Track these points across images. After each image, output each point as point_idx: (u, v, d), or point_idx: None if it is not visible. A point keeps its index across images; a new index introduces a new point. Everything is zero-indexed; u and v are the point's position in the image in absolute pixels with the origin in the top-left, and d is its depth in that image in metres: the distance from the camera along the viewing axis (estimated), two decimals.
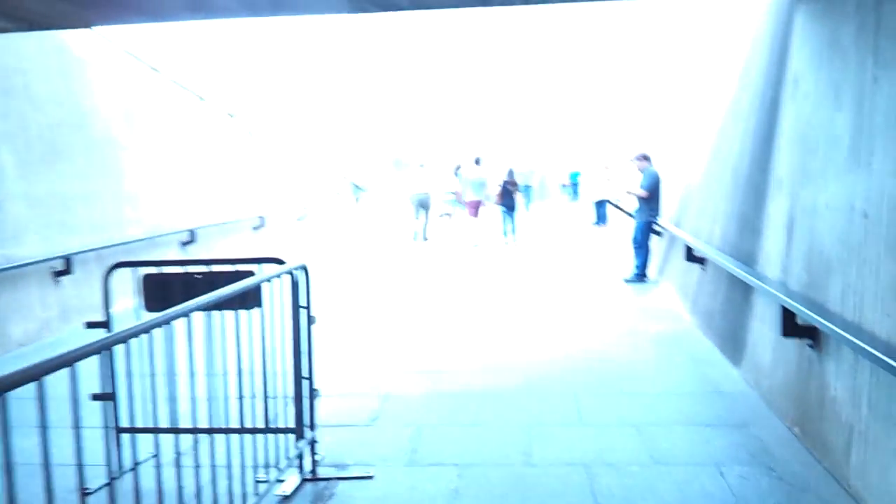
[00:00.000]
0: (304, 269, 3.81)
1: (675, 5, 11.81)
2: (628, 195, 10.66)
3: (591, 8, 24.07)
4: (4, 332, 7.13)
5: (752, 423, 4.49)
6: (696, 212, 8.42)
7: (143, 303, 4.05)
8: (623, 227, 14.85)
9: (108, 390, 3.91)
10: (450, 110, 31.31)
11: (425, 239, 16.27)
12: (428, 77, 31.05)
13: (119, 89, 11.13)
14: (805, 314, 4.03)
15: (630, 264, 10.18)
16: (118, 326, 4.21)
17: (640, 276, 9.70)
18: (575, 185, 27.52)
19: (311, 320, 3.91)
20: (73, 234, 8.59)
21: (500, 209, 15.64)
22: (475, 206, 15.38)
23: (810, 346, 4.22)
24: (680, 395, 5.05)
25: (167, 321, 2.91)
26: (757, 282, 4.91)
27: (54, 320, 7.89)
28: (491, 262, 12.29)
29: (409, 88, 31.34)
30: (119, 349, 2.95)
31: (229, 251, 12.45)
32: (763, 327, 5.14)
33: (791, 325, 4.31)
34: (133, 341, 2.78)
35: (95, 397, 3.93)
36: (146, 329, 2.82)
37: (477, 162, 15.85)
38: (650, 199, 9.71)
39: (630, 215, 11.28)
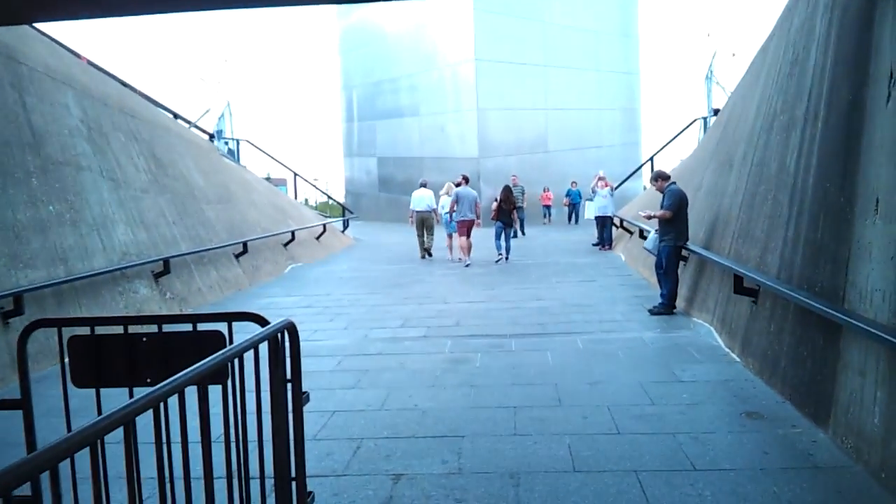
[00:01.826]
0: (291, 328, 2.76)
1: None
2: (648, 218, 9.63)
3: None
4: None
5: None
6: (736, 235, 7.44)
7: (70, 373, 3.00)
8: (632, 250, 13.89)
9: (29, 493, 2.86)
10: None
11: (430, 256, 16.45)
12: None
13: (82, 104, 10.08)
14: None
15: (651, 293, 9.22)
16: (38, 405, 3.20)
17: (668, 306, 8.67)
18: (575, 204, 26.38)
19: (300, 399, 2.85)
20: (25, 268, 7.49)
21: (495, 226, 15.43)
22: (465, 226, 14.91)
23: None
24: (766, 470, 4.00)
25: (93, 439, 1.85)
26: (867, 328, 3.88)
27: (2, 369, 6.74)
28: (488, 283, 11.25)
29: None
30: None
31: (206, 282, 11.34)
32: (864, 382, 4.12)
33: None
34: None
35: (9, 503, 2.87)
36: (71, 450, 1.78)
37: (466, 181, 15.57)
38: (676, 221, 8.71)
39: (643, 236, 10.30)
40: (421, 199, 16.32)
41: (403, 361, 6.81)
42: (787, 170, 6.20)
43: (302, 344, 3.13)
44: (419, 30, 30.95)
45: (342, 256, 18.04)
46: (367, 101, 35.36)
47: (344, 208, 26.15)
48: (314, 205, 45.06)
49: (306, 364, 6.93)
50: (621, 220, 16.22)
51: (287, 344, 2.79)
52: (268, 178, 38.38)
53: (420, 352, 7.23)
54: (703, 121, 19.94)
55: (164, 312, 9.72)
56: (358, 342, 7.83)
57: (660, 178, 9.31)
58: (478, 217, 15.01)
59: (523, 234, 21.63)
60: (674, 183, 9.04)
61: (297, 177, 24.10)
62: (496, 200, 15.80)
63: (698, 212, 9.83)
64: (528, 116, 29.94)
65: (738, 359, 6.37)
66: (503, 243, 15.21)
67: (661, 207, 8.88)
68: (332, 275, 14.15)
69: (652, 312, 8.73)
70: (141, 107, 13.37)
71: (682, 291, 9.04)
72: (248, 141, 21.29)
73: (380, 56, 33.95)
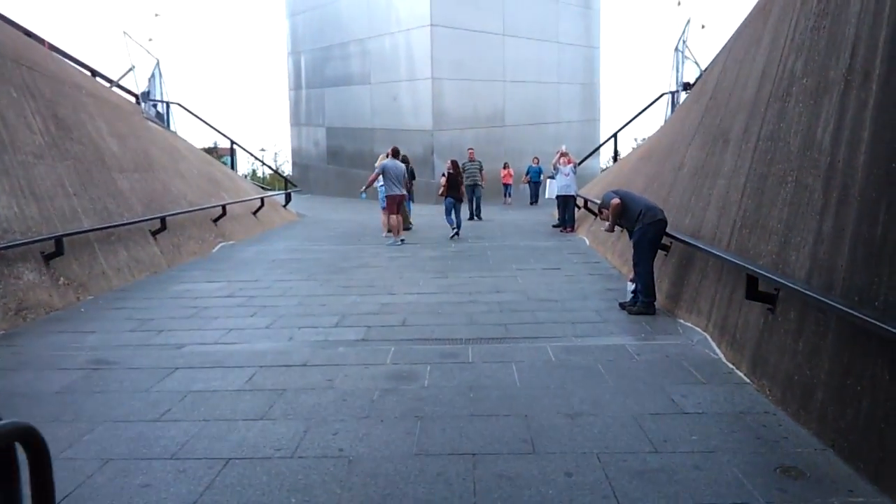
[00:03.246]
0: (32, 438, 1.35)
1: None
2: (612, 230, 8.34)
3: None
4: None
5: None
6: (739, 225, 6.20)
7: None
8: (597, 233, 12.68)
9: None
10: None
11: (408, 230, 15.84)
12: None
13: None
14: None
15: (625, 286, 7.99)
16: None
17: (648, 304, 7.43)
18: (537, 182, 25.10)
19: None
20: None
21: (445, 202, 15.29)
22: (395, 202, 14.13)
23: None
24: None
25: None
26: None
27: None
28: (440, 270, 9.90)
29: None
30: None
31: (113, 264, 9.73)
32: None
33: None
34: None
35: None
36: None
37: (395, 153, 14.57)
38: (629, 205, 7.71)
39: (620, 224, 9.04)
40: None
41: (333, 377, 5.40)
42: (817, 146, 4.95)
43: (211, 348, 2.24)
44: None
45: (281, 234, 16.48)
46: (316, 67, 33.43)
47: (286, 181, 24.45)
48: (262, 177, 42.92)
49: (210, 378, 5.51)
50: (585, 200, 15.00)
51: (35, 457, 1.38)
52: (213, 149, 36.20)
53: (355, 362, 5.83)
54: (670, 95, 18.81)
55: (56, 300, 8.14)
56: (280, 348, 6.40)
57: (604, 208, 8.17)
58: (408, 191, 14.56)
59: (479, 217, 19.34)
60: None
61: (236, 146, 22.31)
62: (443, 175, 15.54)
63: (681, 195, 8.62)
64: (485, 88, 28.48)
65: (747, 379, 5.14)
66: (454, 219, 15.00)
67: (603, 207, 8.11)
68: (266, 256, 12.61)
69: (630, 312, 7.50)
70: (45, 59, 11.58)
71: (664, 286, 7.83)
72: (179, 104, 19.44)
73: (329, 19, 32.03)
